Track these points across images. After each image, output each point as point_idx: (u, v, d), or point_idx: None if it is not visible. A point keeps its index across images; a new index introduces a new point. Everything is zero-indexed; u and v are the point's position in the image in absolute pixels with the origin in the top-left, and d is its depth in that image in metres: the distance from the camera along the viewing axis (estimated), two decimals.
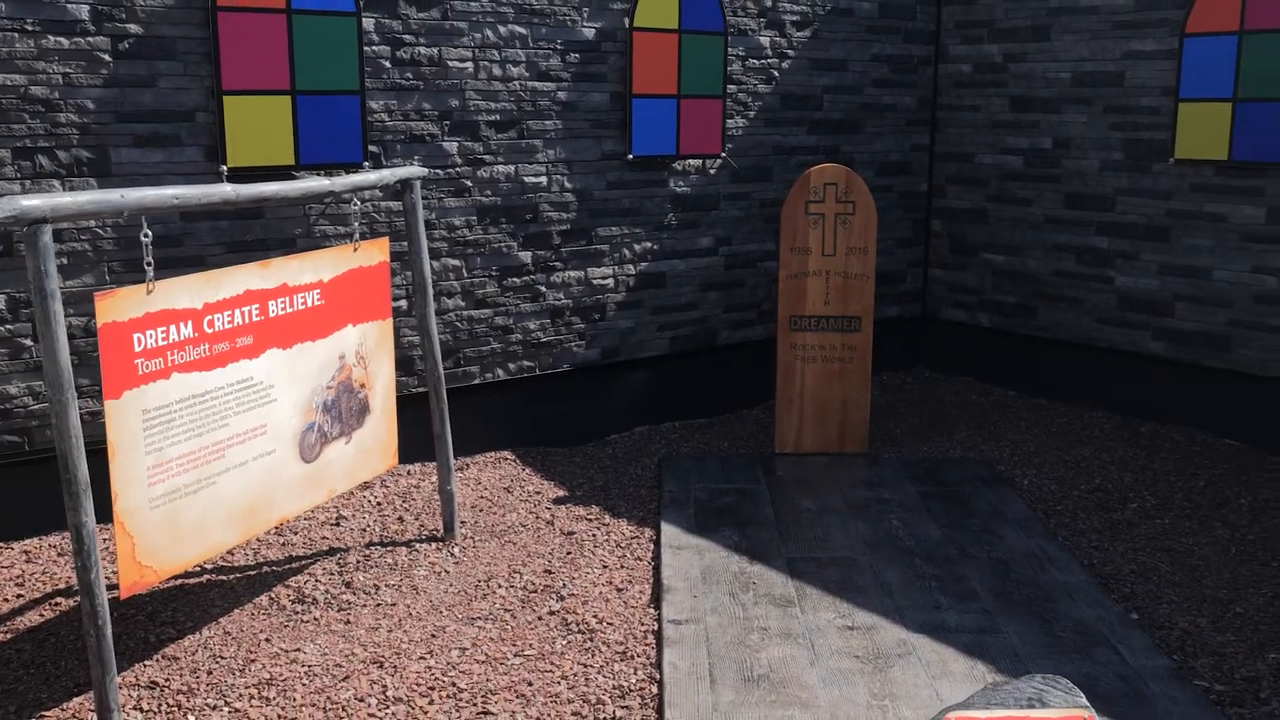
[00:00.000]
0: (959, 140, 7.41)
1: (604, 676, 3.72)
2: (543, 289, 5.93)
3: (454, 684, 3.65)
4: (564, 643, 3.94)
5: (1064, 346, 6.95)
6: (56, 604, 4.15)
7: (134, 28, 4.60)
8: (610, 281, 6.17)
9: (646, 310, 6.34)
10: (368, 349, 4.43)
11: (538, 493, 5.43)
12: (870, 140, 7.16)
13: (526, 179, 5.77)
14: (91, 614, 3.14)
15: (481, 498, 5.35)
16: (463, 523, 4.99)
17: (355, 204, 4.35)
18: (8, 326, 4.51)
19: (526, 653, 3.86)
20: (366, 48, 5.17)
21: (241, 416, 3.79)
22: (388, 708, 3.49)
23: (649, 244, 6.27)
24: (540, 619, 4.13)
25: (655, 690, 3.64)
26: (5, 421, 4.57)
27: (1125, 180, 6.55)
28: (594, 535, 4.93)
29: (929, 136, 7.50)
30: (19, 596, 4.20)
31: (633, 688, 3.66)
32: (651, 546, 4.82)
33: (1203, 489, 5.51)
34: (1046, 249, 6.97)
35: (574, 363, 6.13)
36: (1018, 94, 7.05)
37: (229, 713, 3.44)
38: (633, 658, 3.85)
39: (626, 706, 3.55)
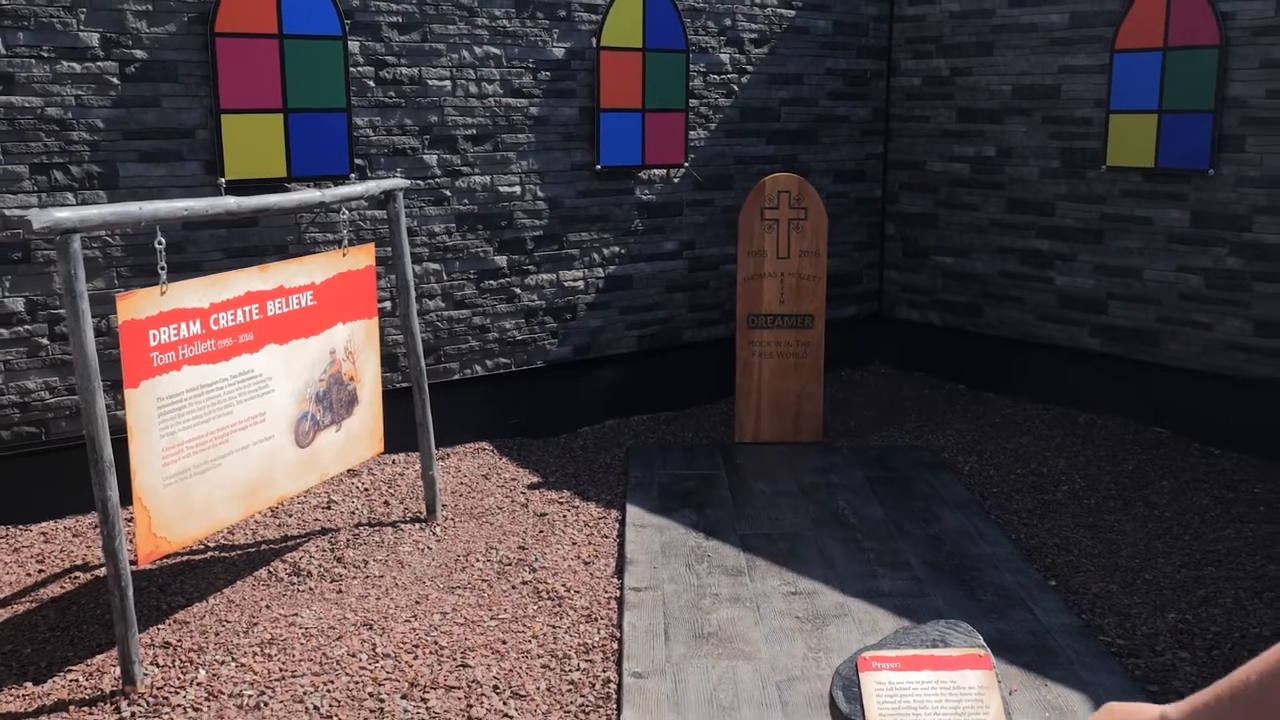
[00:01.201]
0: (910, 149, 7.88)
1: (570, 636, 4.16)
2: (517, 291, 6.37)
3: (436, 642, 4.08)
4: (535, 608, 4.38)
5: (1009, 343, 7.42)
6: (75, 578, 4.57)
7: (139, 53, 5.03)
8: (581, 284, 6.61)
9: (615, 310, 6.79)
10: (356, 345, 4.86)
11: (513, 479, 5.87)
12: (826, 149, 7.62)
13: (501, 188, 6.20)
14: (115, 576, 3.57)
15: (461, 484, 5.78)
16: (444, 506, 5.42)
17: (343, 213, 4.78)
18: (27, 327, 4.92)
19: (501, 616, 4.30)
20: (352, 68, 5.60)
21: (243, 405, 4.22)
22: (377, 662, 3.92)
23: (617, 248, 6.72)
24: (514, 588, 4.57)
25: (615, 646, 4.08)
26: (24, 414, 4.98)
27: (1063, 186, 7.03)
28: (564, 516, 5.37)
29: (883, 145, 7.97)
30: (40, 571, 4.62)
31: (596, 645, 4.09)
32: (617, 526, 5.26)
33: (1130, 473, 5.98)
34: (992, 251, 7.45)
35: (547, 360, 6.57)
36: (964, 105, 7.53)
37: (235, 666, 3.86)
38: (596, 620, 4.29)
39: (590, 660, 3.98)
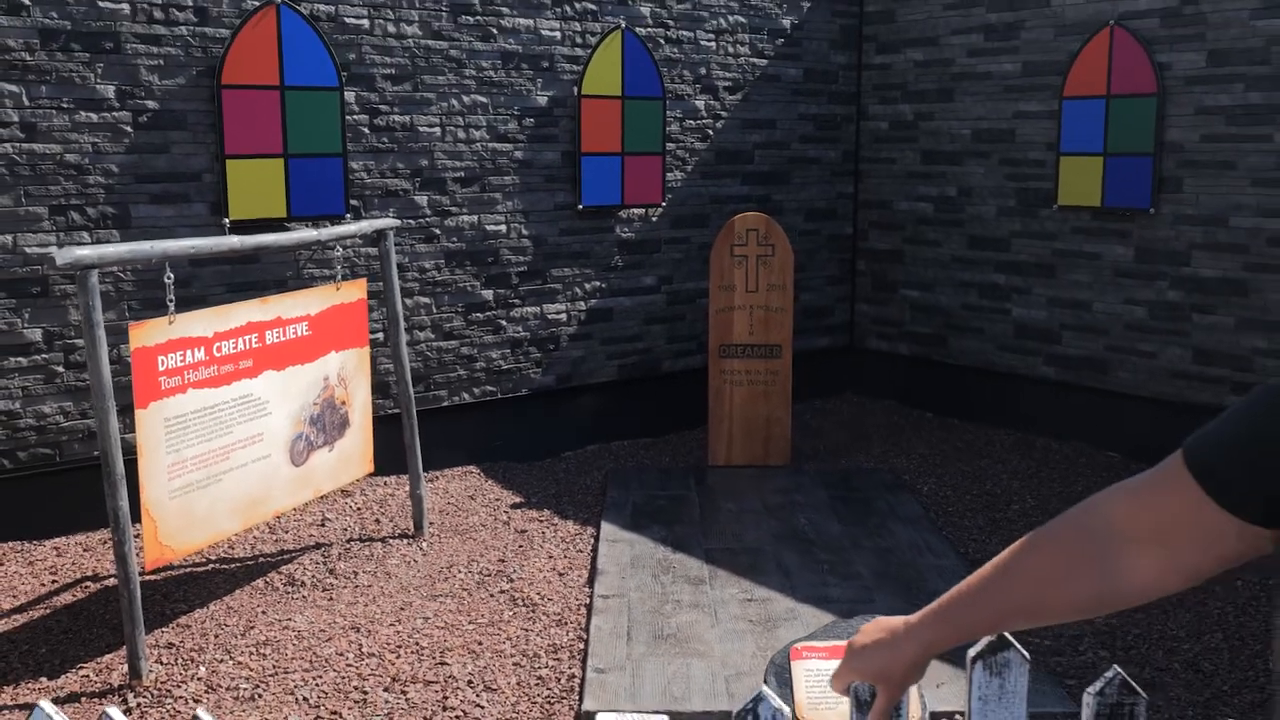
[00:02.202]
0: (878, 189, 8.31)
1: (541, 638, 4.53)
2: (503, 323, 6.78)
3: (417, 643, 4.46)
4: (510, 614, 4.76)
5: (971, 371, 7.82)
6: (86, 587, 4.96)
7: (151, 103, 5.47)
8: (564, 316, 7.03)
9: (597, 341, 7.20)
10: (348, 372, 5.26)
11: (497, 500, 6.25)
12: (798, 189, 8.05)
13: (488, 227, 6.63)
14: (125, 579, 3.96)
15: (448, 504, 6.16)
16: (431, 523, 5.80)
17: (338, 250, 5.20)
18: (44, 355, 5.33)
19: (478, 621, 4.68)
20: (348, 116, 6.04)
21: (243, 426, 4.62)
22: (362, 660, 4.30)
23: (598, 283, 7.14)
24: (492, 596, 4.95)
25: (582, 646, 4.46)
26: (40, 436, 5.39)
27: (1018, 224, 7.45)
28: (543, 533, 5.75)
29: (853, 186, 8.40)
30: (54, 581, 5.01)
31: (564, 645, 4.47)
32: (592, 541, 5.64)
33: (1079, 493, 6.35)
34: (955, 285, 7.86)
35: (532, 388, 6.97)
36: (928, 148, 7.97)
37: (233, 664, 4.24)
38: (566, 624, 4.67)
39: (558, 658, 4.36)
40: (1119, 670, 1.52)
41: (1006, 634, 1.53)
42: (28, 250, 5.21)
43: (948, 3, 7.74)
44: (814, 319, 8.26)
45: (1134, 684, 1.52)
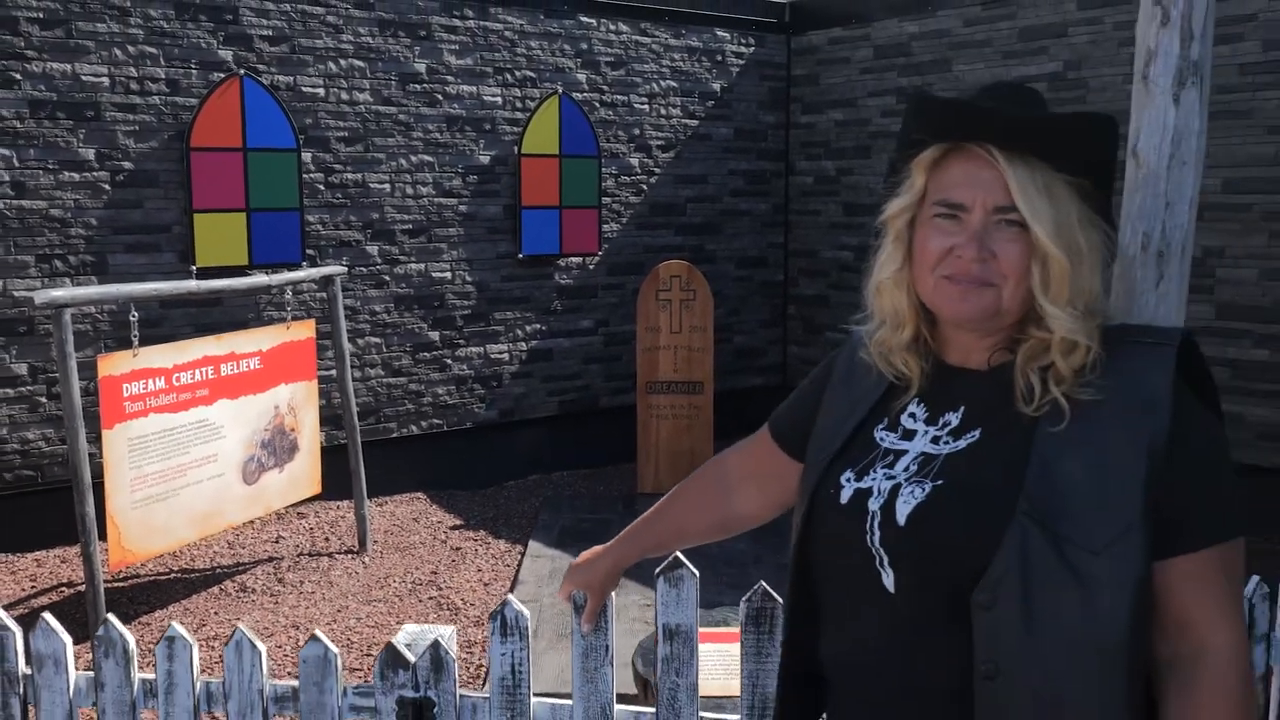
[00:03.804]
0: (806, 239, 9.00)
1: (460, 635, 5.14)
2: (449, 361, 7.44)
3: (348, 639, 5.07)
4: (435, 616, 5.37)
5: None
6: (61, 592, 5.57)
7: (127, 164, 6.16)
8: (506, 356, 7.68)
9: (537, 379, 7.85)
10: (297, 402, 5.91)
11: (439, 522, 6.87)
12: (730, 239, 8.74)
13: (434, 274, 7.31)
14: (90, 576, 4.58)
15: (394, 525, 6.78)
16: (375, 541, 6.42)
17: (288, 294, 5.87)
18: (29, 387, 5.98)
19: (405, 621, 5.29)
20: (305, 175, 6.73)
21: (199, 447, 5.26)
22: (298, 651, 4.90)
23: (539, 325, 7.80)
24: (421, 601, 5.56)
25: None
26: (24, 460, 6.02)
27: None
28: (476, 550, 6.37)
29: (783, 236, 9.10)
30: (33, 587, 5.62)
31: (479, 641, 5.08)
32: (519, 557, 6.25)
33: None
34: None
35: (476, 421, 7.61)
36: (848, 201, 8.67)
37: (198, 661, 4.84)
38: (483, 624, 5.28)
39: (470, 651, 4.97)
40: (764, 584, 2.15)
41: (680, 555, 2.16)
42: (15, 294, 5.87)
43: (864, 68, 8.48)
44: (747, 359, 8.92)
45: (773, 593, 2.15)
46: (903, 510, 1.45)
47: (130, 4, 6.07)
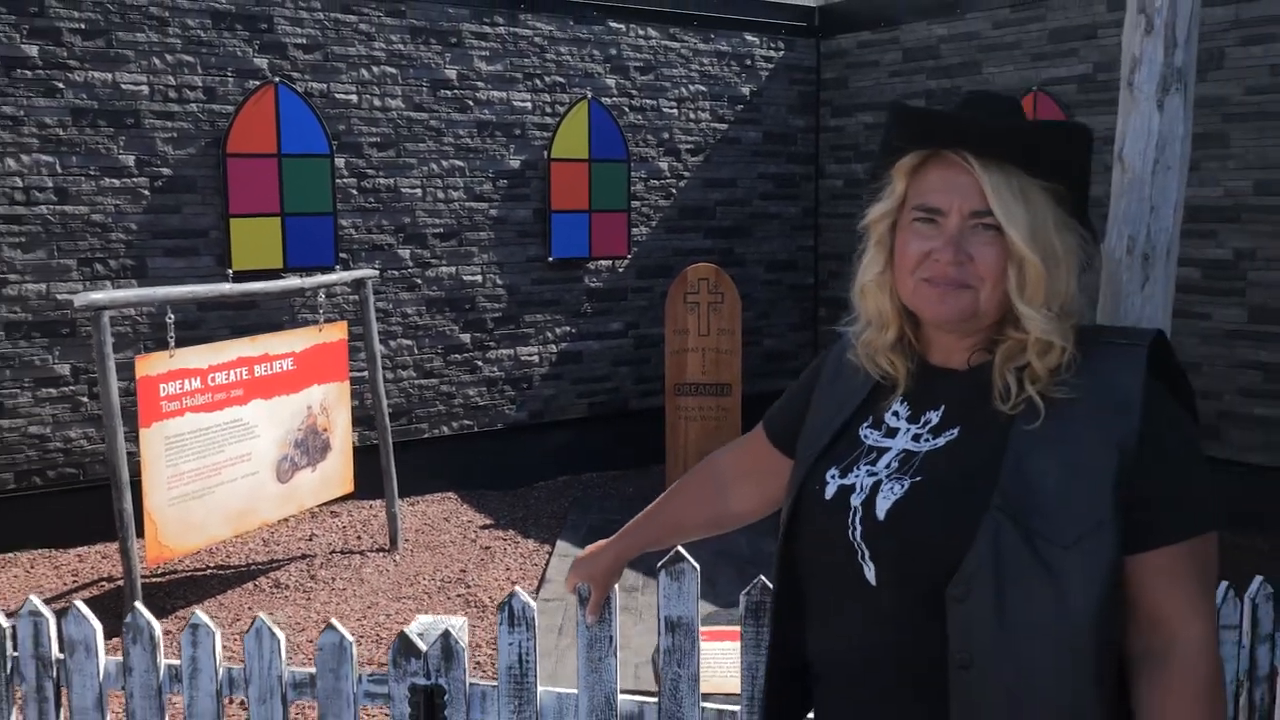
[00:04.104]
0: (835, 242, 9.03)
1: (486, 632, 5.23)
2: (479, 363, 7.54)
3: (377, 634, 5.17)
4: (463, 612, 5.46)
5: None
6: (102, 587, 5.72)
7: (166, 170, 6.31)
8: (536, 358, 7.78)
9: (567, 381, 7.94)
10: (329, 402, 6.02)
11: (470, 521, 6.97)
12: (760, 243, 8.79)
13: (465, 277, 7.41)
14: (128, 570, 4.70)
15: (425, 524, 6.89)
16: (406, 540, 6.53)
17: (320, 297, 5.99)
18: (71, 387, 6.14)
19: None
20: (338, 180, 6.85)
21: (233, 446, 5.38)
22: None
23: (568, 328, 7.89)
24: (450, 599, 5.66)
25: None
26: (66, 458, 6.18)
27: None
28: (505, 549, 6.46)
29: (813, 239, 9.13)
30: (74, 582, 5.77)
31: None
32: (547, 556, 6.34)
33: None
34: None
35: (506, 422, 7.71)
36: None
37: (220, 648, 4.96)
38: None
39: (496, 648, 5.05)
40: (763, 578, 2.21)
41: (681, 549, 2.23)
42: (58, 297, 6.03)
43: (893, 71, 8.50)
44: (776, 362, 8.96)
45: (771, 586, 2.21)
46: (882, 505, 1.51)
47: (168, 14, 6.22)
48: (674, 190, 8.31)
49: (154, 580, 5.74)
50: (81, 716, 2.37)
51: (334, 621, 2.31)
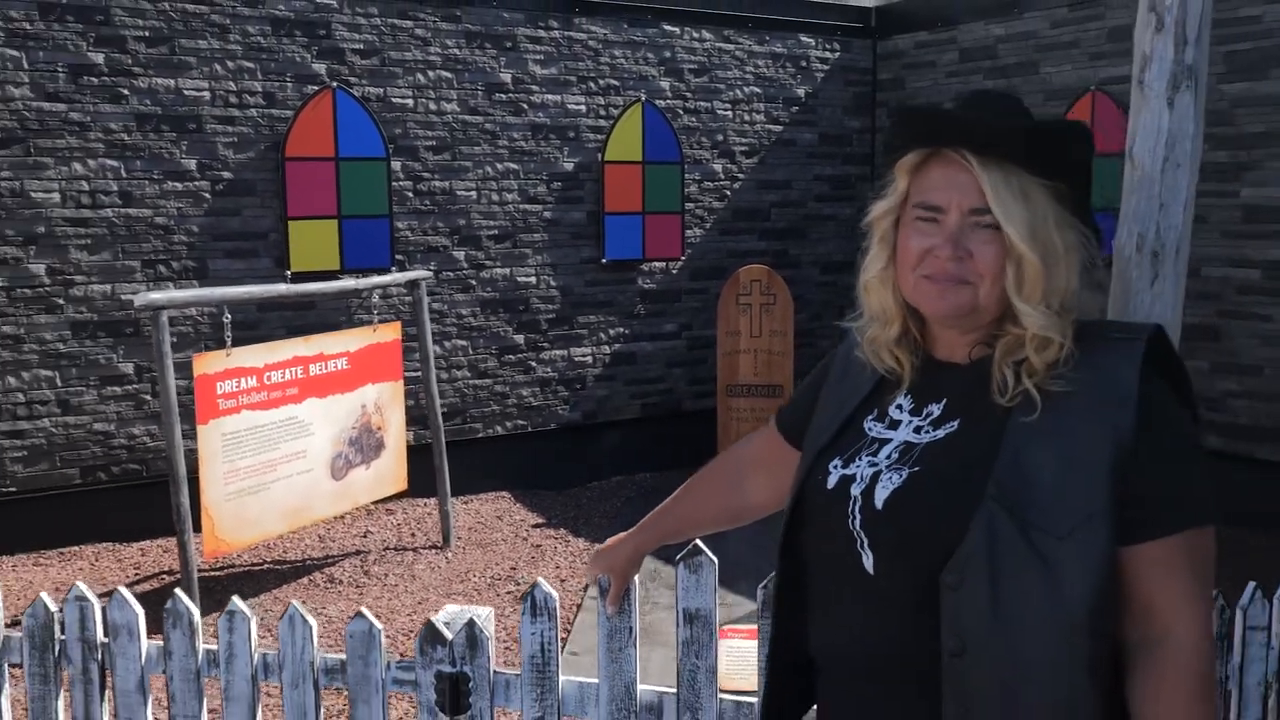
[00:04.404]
0: None
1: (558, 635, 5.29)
2: (533, 364, 7.63)
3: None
4: (511, 609, 5.53)
5: None
6: (162, 580, 5.88)
7: (227, 174, 6.47)
8: (589, 359, 7.84)
9: (620, 382, 7.99)
10: (383, 401, 6.13)
11: (522, 520, 7.05)
12: (814, 244, 8.78)
13: (519, 279, 7.50)
14: (184, 562, 4.84)
15: (478, 522, 6.98)
16: (459, 538, 6.62)
17: (375, 298, 6.09)
18: (134, 385, 6.32)
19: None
20: (394, 183, 6.97)
21: (288, 444, 5.51)
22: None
23: (622, 329, 7.94)
24: (499, 595, 5.73)
25: (565, 635, 5.21)
26: (130, 454, 6.36)
27: None
28: (556, 548, 6.53)
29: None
30: (136, 574, 5.94)
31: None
32: None
33: None
34: None
35: (560, 423, 7.78)
36: None
37: (271, 640, 5.09)
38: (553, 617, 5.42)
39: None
40: None
41: (699, 543, 2.26)
42: (123, 297, 6.22)
43: (950, 72, 8.45)
44: None
45: None
46: (881, 495, 1.53)
47: (230, 21, 6.38)
48: (728, 192, 8.33)
49: (212, 574, 5.88)
50: (124, 698, 2.46)
51: (364, 610, 2.38)
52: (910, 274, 1.59)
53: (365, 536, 6.62)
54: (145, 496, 6.39)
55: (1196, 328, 7.00)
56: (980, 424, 1.52)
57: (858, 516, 1.55)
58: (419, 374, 6.81)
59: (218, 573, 5.94)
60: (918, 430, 1.59)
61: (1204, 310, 6.97)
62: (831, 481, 1.61)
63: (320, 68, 6.68)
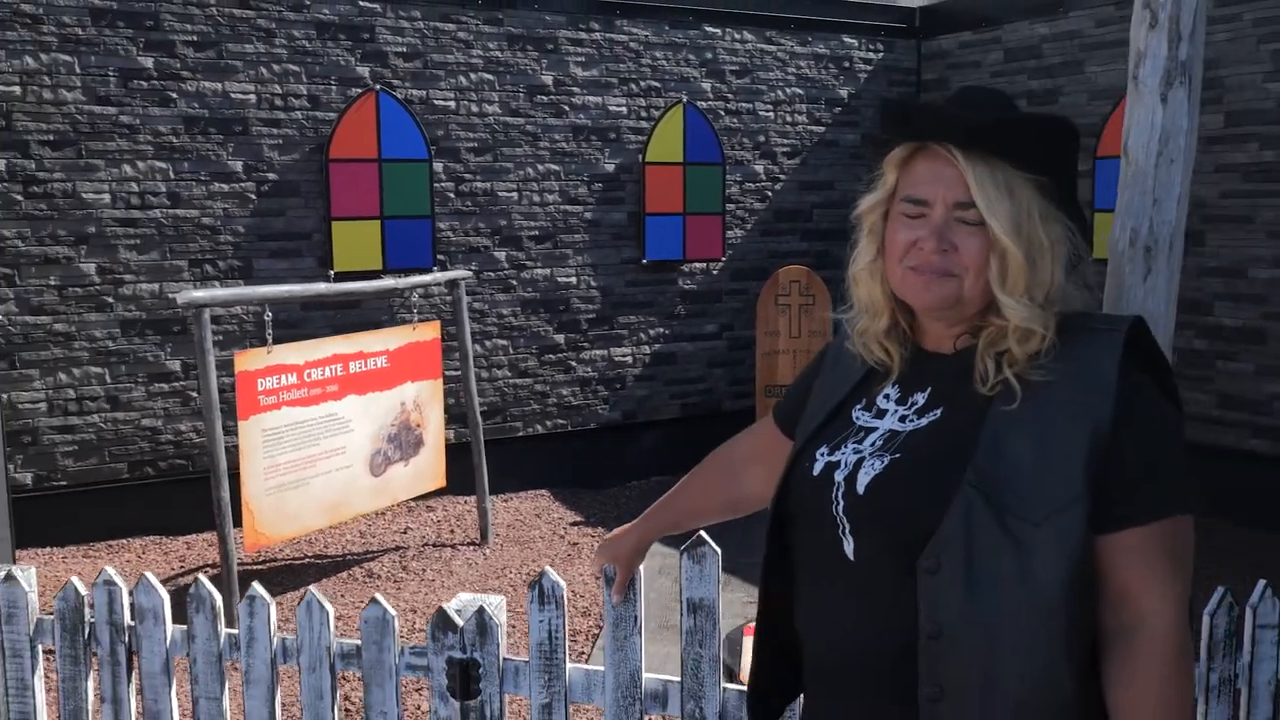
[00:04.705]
0: None
1: (566, 623, 5.34)
2: (573, 364, 7.69)
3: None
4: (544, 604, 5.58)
5: None
6: (206, 572, 5.99)
7: (272, 175, 6.59)
8: (629, 359, 7.89)
9: (660, 382, 8.03)
10: (422, 399, 6.22)
11: (560, 518, 7.11)
12: None
13: (560, 279, 7.56)
14: (224, 554, 4.95)
15: (517, 520, 7.05)
16: (497, 535, 6.69)
17: (414, 297, 6.18)
18: (181, 382, 6.47)
19: (517, 610, 5.52)
20: (436, 184, 7.07)
21: (328, 440, 5.61)
22: (414, 633, 5.19)
23: (662, 330, 7.98)
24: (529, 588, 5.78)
25: (597, 632, 5.26)
26: (176, 450, 6.50)
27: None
28: (592, 546, 6.57)
29: None
30: (180, 567, 6.08)
31: (583, 631, 5.28)
32: None
33: None
34: None
35: (599, 422, 7.84)
36: None
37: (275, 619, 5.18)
38: (590, 615, 5.48)
39: (574, 640, 5.17)
40: None
41: (703, 533, 2.29)
42: (170, 296, 6.36)
43: (995, 71, 8.39)
44: None
45: None
46: (863, 480, 1.56)
47: (275, 26, 6.51)
48: (769, 193, 8.34)
49: (254, 567, 6.00)
50: (150, 680, 2.54)
51: (378, 596, 2.44)
52: (897, 266, 1.62)
53: (405, 533, 6.72)
54: (191, 491, 6.53)
55: (1242, 330, 6.90)
56: (962, 413, 1.54)
57: (840, 502, 1.58)
58: (459, 372, 6.90)
59: (259, 566, 6.05)
60: (903, 419, 1.61)
61: (1249, 313, 6.87)
62: (817, 468, 1.64)
63: (364, 71, 6.79)
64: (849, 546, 1.56)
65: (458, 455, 6.84)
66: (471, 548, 6.47)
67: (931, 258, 1.56)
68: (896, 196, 1.64)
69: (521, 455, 7.53)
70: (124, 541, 6.43)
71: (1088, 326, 1.55)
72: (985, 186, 1.53)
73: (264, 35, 6.49)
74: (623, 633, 2.29)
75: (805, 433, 1.73)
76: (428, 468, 6.33)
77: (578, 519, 7.09)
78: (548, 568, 2.36)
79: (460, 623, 2.34)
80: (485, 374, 7.35)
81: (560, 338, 7.63)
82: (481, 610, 2.33)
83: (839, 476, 1.60)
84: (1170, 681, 1.44)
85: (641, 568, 2.27)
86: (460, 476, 6.85)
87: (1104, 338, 1.52)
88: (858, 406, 1.69)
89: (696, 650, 2.26)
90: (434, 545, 6.50)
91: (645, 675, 2.32)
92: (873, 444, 1.60)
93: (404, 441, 6.12)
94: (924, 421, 1.58)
